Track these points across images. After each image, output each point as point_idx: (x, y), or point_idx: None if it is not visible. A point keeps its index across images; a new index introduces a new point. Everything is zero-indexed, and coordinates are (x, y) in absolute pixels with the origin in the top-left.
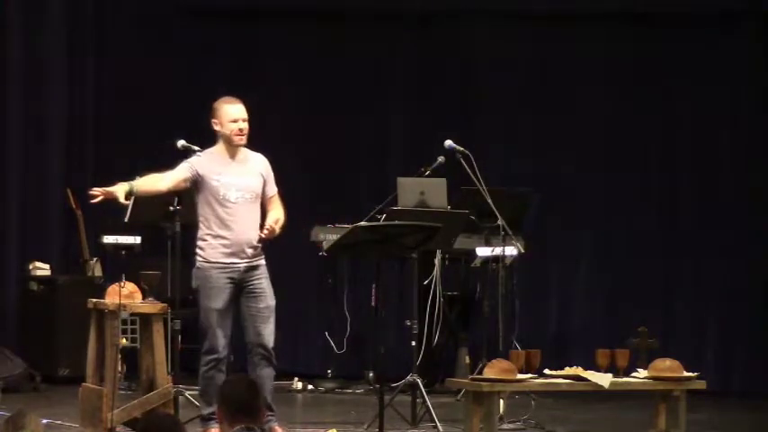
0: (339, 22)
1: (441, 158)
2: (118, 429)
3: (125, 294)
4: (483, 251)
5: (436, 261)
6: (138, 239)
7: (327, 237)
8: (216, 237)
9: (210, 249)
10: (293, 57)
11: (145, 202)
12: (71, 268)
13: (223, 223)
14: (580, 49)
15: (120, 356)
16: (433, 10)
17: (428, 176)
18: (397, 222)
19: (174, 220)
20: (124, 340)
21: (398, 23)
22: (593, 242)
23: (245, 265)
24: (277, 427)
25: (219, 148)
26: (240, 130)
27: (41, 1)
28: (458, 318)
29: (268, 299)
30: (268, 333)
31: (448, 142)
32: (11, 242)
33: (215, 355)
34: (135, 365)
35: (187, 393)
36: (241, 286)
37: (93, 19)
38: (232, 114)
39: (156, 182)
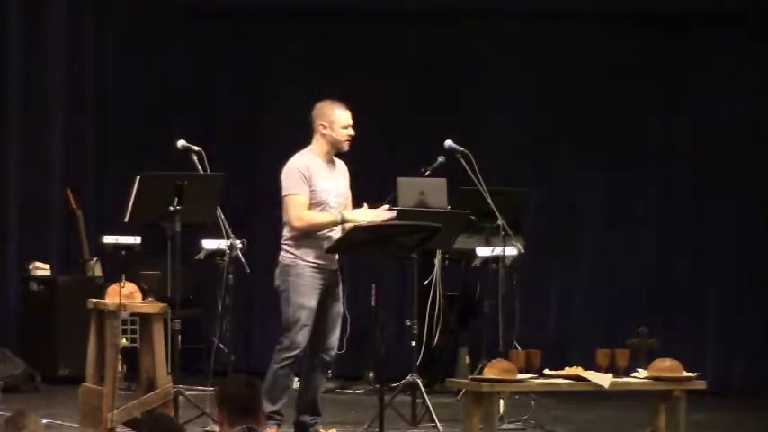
0: (339, 21)
1: (441, 158)
2: (118, 429)
3: (125, 294)
4: (483, 251)
5: (436, 261)
6: (138, 239)
7: None
8: (313, 238)
9: (307, 248)
10: (293, 56)
11: (145, 201)
12: (71, 268)
13: None
14: (580, 49)
15: (120, 356)
16: (433, 10)
17: (428, 176)
18: (397, 222)
19: (174, 220)
20: (124, 340)
21: (398, 23)
22: (593, 242)
23: (335, 268)
24: (321, 430)
25: (318, 150)
26: (350, 136)
27: (41, 1)
28: (458, 318)
29: (341, 304)
30: (336, 338)
31: (448, 142)
32: (11, 242)
33: (295, 352)
34: (135, 365)
35: (187, 393)
36: (326, 289)
37: (93, 19)
38: (345, 120)
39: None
